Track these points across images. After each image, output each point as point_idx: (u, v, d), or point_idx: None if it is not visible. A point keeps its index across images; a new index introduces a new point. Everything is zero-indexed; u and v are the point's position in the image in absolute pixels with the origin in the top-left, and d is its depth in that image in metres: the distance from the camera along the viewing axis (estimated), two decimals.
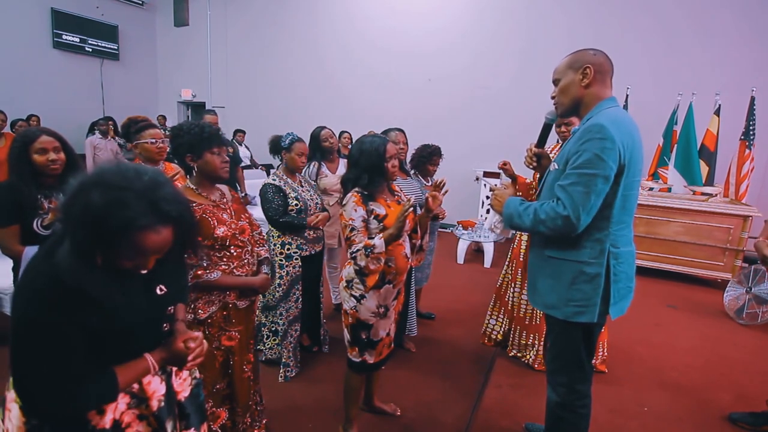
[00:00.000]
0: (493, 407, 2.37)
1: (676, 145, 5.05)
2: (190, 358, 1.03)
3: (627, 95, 5.15)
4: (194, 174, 1.65)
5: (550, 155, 1.84)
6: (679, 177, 5.02)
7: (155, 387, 1.04)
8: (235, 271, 1.66)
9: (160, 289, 1.04)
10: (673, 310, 3.92)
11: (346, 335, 1.90)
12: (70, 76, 8.01)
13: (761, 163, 5.10)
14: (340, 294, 1.89)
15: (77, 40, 8.02)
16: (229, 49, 8.69)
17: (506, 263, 2.90)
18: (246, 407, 1.82)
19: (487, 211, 5.82)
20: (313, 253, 2.56)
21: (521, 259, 2.75)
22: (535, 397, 2.38)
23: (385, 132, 2.74)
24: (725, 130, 4.88)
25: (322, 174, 3.07)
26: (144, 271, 0.96)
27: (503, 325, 2.95)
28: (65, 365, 0.86)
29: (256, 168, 7.08)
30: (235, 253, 1.65)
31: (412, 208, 1.69)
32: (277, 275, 2.46)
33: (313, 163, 3.05)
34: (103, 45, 8.43)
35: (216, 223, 1.59)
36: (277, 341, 2.58)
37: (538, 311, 2.67)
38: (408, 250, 1.90)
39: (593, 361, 2.42)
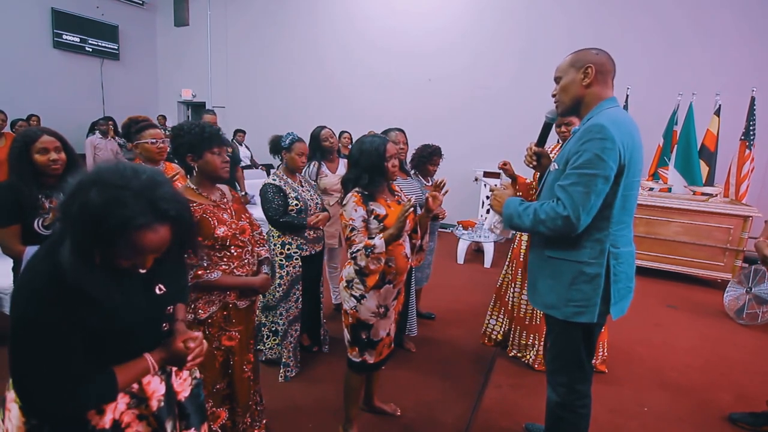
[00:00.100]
0: (493, 407, 2.37)
1: (676, 146, 5.05)
2: (189, 357, 1.03)
3: (627, 95, 5.15)
4: (195, 174, 1.65)
5: (550, 155, 1.84)
6: (679, 177, 5.02)
7: (155, 387, 1.04)
8: (235, 271, 1.66)
9: (159, 289, 1.04)
10: (673, 311, 3.92)
11: (346, 335, 1.90)
12: (70, 76, 8.01)
13: (761, 164, 5.10)
14: (340, 294, 1.89)
15: (77, 40, 8.02)
16: (229, 49, 8.70)
17: (506, 263, 2.90)
18: (246, 407, 1.82)
19: (487, 211, 5.82)
20: (313, 253, 2.56)
21: (521, 260, 2.75)
22: (535, 397, 2.38)
23: (385, 132, 2.74)
24: (725, 130, 4.88)
25: (323, 174, 3.07)
26: (143, 271, 0.95)
27: (503, 325, 2.95)
28: (64, 365, 0.86)
29: (256, 168, 7.08)
30: (235, 253, 1.65)
31: (412, 208, 1.69)
32: (278, 275, 2.46)
33: (313, 163, 3.05)
34: (103, 45, 8.43)
35: (216, 223, 1.59)
36: (277, 341, 2.58)
37: (538, 311, 2.67)
38: (408, 250, 1.90)
39: (593, 361, 2.42)
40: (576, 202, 1.37)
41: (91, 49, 8.24)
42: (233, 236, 1.63)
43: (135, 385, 1.01)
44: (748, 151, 4.76)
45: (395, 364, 2.63)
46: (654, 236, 4.69)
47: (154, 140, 2.15)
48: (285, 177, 2.49)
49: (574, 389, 1.62)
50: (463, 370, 2.72)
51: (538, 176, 1.82)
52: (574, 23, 5.89)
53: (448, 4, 6.70)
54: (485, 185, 5.97)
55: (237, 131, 7.18)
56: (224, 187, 1.75)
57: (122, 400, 0.99)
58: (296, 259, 2.47)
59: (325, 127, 3.15)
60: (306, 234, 2.50)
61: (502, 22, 6.36)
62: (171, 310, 1.08)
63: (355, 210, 1.75)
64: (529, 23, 6.19)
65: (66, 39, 7.86)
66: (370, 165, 1.78)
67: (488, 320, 3.02)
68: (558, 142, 2.67)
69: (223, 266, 1.63)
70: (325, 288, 2.88)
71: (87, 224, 0.80)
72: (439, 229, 3.68)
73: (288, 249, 2.46)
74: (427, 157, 3.01)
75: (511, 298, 2.84)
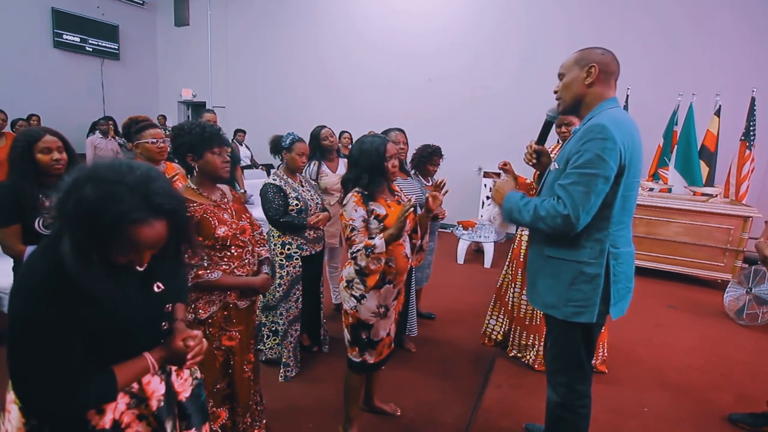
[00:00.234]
0: (493, 407, 2.37)
1: (676, 146, 5.05)
2: (189, 356, 1.03)
3: (627, 95, 5.15)
4: (195, 174, 1.65)
5: (550, 155, 1.84)
6: (679, 177, 5.02)
7: (155, 387, 1.04)
8: (235, 271, 1.66)
9: (158, 287, 1.03)
10: (674, 311, 3.92)
11: (347, 335, 1.90)
12: (70, 76, 8.01)
13: (761, 164, 5.10)
14: (341, 294, 1.89)
15: (78, 39, 8.03)
16: (229, 49, 8.70)
17: (506, 263, 2.90)
18: (246, 407, 1.82)
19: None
20: (313, 253, 2.56)
21: (521, 260, 2.75)
22: (535, 397, 2.38)
23: (385, 132, 2.74)
24: (725, 130, 4.88)
25: (323, 173, 3.07)
26: (140, 269, 0.96)
27: (503, 326, 2.95)
28: (63, 364, 0.86)
29: (257, 168, 7.08)
30: (235, 253, 1.65)
31: (412, 209, 1.69)
32: (278, 275, 2.46)
33: (313, 163, 3.05)
34: (103, 45, 8.43)
35: (217, 223, 1.59)
36: (277, 341, 2.58)
37: (538, 312, 2.67)
38: (408, 250, 1.90)
39: (593, 362, 2.42)
40: (576, 201, 1.37)
41: (91, 49, 8.25)
42: (234, 236, 1.63)
43: (135, 385, 1.01)
44: (748, 151, 4.76)
45: (395, 364, 2.63)
46: (654, 236, 4.69)
47: (154, 140, 2.15)
48: (285, 177, 2.49)
49: (574, 389, 1.62)
50: (463, 370, 2.72)
51: (537, 175, 1.83)
52: (574, 23, 5.89)
53: (448, 4, 6.70)
54: (485, 185, 5.98)
55: (237, 131, 7.18)
56: (225, 187, 1.75)
57: (122, 400, 0.99)
58: (296, 259, 2.47)
59: (324, 126, 3.15)
60: (306, 234, 2.50)
61: (502, 22, 6.36)
62: (170, 308, 1.08)
63: (355, 210, 1.75)
64: (529, 23, 6.19)
65: (66, 39, 7.86)
66: (370, 165, 1.78)
67: (488, 320, 3.02)
68: (558, 142, 2.67)
69: (224, 266, 1.63)
70: (325, 288, 2.88)
71: (83, 220, 0.81)
72: (439, 229, 3.68)
73: (288, 249, 2.46)
74: (427, 157, 3.01)
75: (511, 299, 2.84)
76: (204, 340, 1.09)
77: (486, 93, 6.53)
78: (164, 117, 8.53)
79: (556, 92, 1.59)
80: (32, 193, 1.70)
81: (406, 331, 2.96)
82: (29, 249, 1.69)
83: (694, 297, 4.27)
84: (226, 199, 1.70)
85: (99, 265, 0.85)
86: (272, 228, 2.50)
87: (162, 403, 1.05)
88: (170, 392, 1.09)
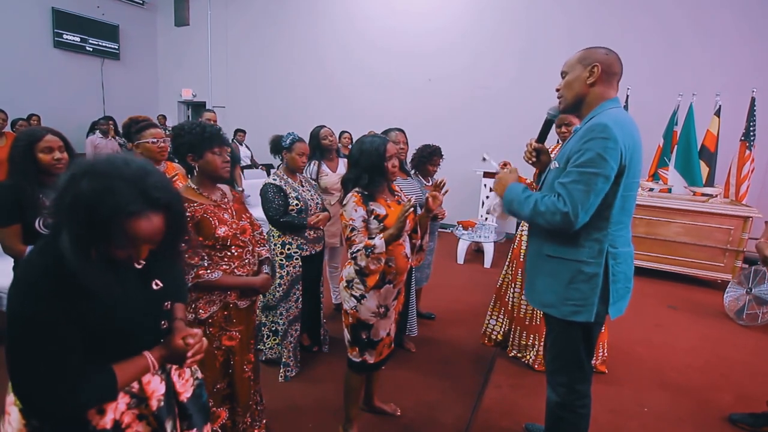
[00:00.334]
0: (493, 407, 2.37)
1: (676, 146, 5.05)
2: (189, 354, 1.03)
3: (627, 95, 5.15)
4: (195, 174, 1.65)
5: (550, 154, 1.84)
6: (679, 178, 5.02)
7: (155, 386, 1.04)
8: (236, 271, 1.66)
9: (156, 284, 1.04)
10: (674, 311, 3.92)
11: (347, 335, 1.91)
12: (70, 76, 8.01)
13: (761, 164, 5.10)
14: (341, 294, 1.89)
15: (78, 39, 8.03)
16: (229, 49, 8.70)
17: (506, 263, 2.90)
18: (246, 407, 1.82)
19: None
20: (313, 253, 2.56)
21: (521, 260, 2.75)
22: (535, 398, 2.38)
23: (385, 132, 2.74)
24: (725, 130, 4.89)
25: (323, 173, 3.08)
26: (139, 266, 0.96)
27: (503, 326, 2.95)
28: (63, 362, 0.86)
29: (257, 168, 7.09)
30: (236, 253, 1.65)
31: (412, 209, 1.69)
32: (278, 275, 2.46)
33: (313, 162, 3.05)
34: (103, 45, 8.43)
35: (217, 223, 1.59)
36: (277, 341, 2.58)
37: (538, 312, 2.67)
38: (408, 250, 1.90)
39: (593, 362, 2.42)
40: (575, 199, 1.38)
41: (91, 49, 8.25)
42: (234, 236, 1.63)
43: (135, 385, 1.01)
44: (748, 151, 4.76)
45: (395, 364, 2.64)
46: (654, 237, 4.69)
47: (155, 140, 2.15)
48: (285, 177, 2.49)
49: (573, 389, 1.62)
50: (463, 370, 2.72)
51: (537, 174, 1.83)
52: (574, 23, 5.89)
53: (448, 4, 6.70)
54: (485, 185, 5.97)
55: (237, 131, 7.19)
56: (225, 187, 1.75)
57: (122, 400, 0.98)
58: (296, 259, 2.47)
59: (324, 126, 3.16)
60: (306, 234, 2.50)
61: (502, 22, 6.36)
62: (168, 306, 1.08)
63: (355, 210, 1.75)
64: (529, 23, 6.19)
65: (66, 39, 7.86)
66: (370, 165, 1.78)
67: (488, 320, 3.02)
68: (558, 142, 2.67)
69: (224, 266, 1.63)
70: (325, 288, 2.88)
71: (81, 214, 0.81)
72: (439, 229, 3.68)
73: (288, 249, 2.46)
74: (427, 157, 3.01)
75: (511, 299, 2.84)
76: (204, 338, 1.09)
77: (486, 93, 6.53)
78: (164, 117, 8.53)
79: (558, 90, 1.59)
80: (33, 192, 1.70)
81: (406, 331, 2.96)
82: (29, 249, 1.69)
83: (694, 297, 4.27)
84: (226, 199, 1.70)
85: (98, 260, 0.85)
86: (272, 228, 2.50)
87: (162, 403, 1.05)
88: (170, 392, 1.09)
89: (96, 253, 0.85)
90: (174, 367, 1.12)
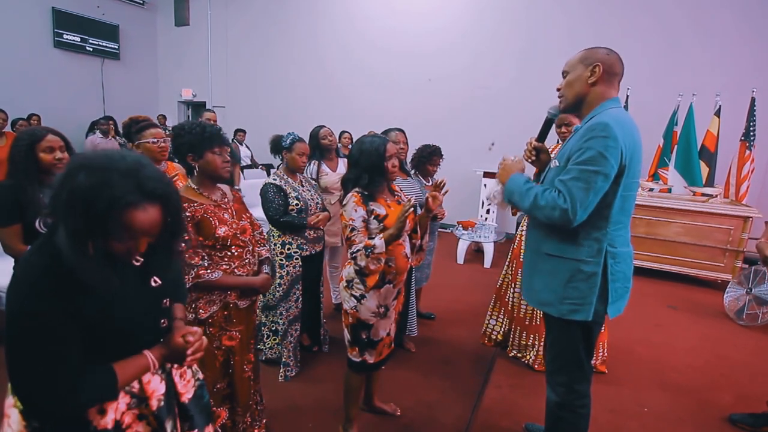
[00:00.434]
0: (493, 407, 2.37)
1: (676, 146, 5.05)
2: (189, 352, 1.03)
3: (627, 95, 5.15)
4: (195, 174, 1.65)
5: (550, 153, 1.84)
6: (679, 178, 5.02)
7: (155, 386, 1.04)
8: (236, 270, 1.66)
9: (155, 281, 1.04)
10: (674, 311, 3.92)
11: (347, 335, 1.91)
12: (70, 76, 8.01)
13: (761, 164, 5.10)
14: (341, 294, 1.89)
15: (78, 39, 8.02)
16: (229, 48, 8.70)
17: (506, 263, 2.90)
18: (246, 407, 1.82)
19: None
20: (313, 252, 2.56)
21: (521, 260, 2.75)
22: (535, 398, 2.38)
23: (385, 132, 2.74)
24: (725, 130, 4.89)
25: (323, 172, 3.08)
26: (137, 263, 0.97)
27: (503, 326, 2.95)
28: (63, 360, 0.86)
29: (257, 168, 7.09)
30: (236, 253, 1.66)
31: (412, 209, 1.69)
32: (278, 275, 2.46)
33: (313, 162, 3.06)
34: (103, 44, 8.43)
35: (217, 223, 1.59)
36: (277, 341, 2.59)
37: (538, 312, 2.67)
38: (408, 250, 1.90)
39: (593, 362, 2.42)
40: (575, 196, 1.38)
41: (91, 49, 8.24)
42: (234, 236, 1.63)
43: (135, 385, 1.00)
44: (748, 151, 4.76)
45: (395, 364, 2.64)
46: (654, 237, 4.69)
47: (155, 140, 2.15)
48: (285, 177, 2.49)
49: (573, 389, 1.62)
50: (463, 370, 2.72)
51: (536, 173, 1.83)
52: (574, 23, 5.89)
53: (448, 4, 6.70)
54: (485, 185, 5.97)
55: (237, 131, 7.19)
56: (225, 187, 1.75)
57: (123, 400, 0.98)
58: (296, 258, 2.47)
59: (323, 126, 3.16)
60: (306, 234, 2.50)
61: (502, 22, 6.36)
62: (167, 303, 1.08)
63: (355, 210, 1.75)
64: (529, 23, 6.19)
65: (66, 38, 7.86)
66: (370, 165, 1.78)
67: (488, 320, 3.02)
68: (558, 142, 2.67)
69: (224, 266, 1.63)
70: (325, 288, 2.88)
71: (78, 207, 0.81)
72: (439, 229, 3.68)
73: (288, 249, 2.46)
74: (427, 157, 3.01)
75: (511, 299, 2.84)
76: (203, 337, 1.09)
77: (486, 93, 6.53)
78: (164, 117, 8.53)
79: (558, 90, 1.59)
80: (33, 192, 1.70)
81: (406, 331, 2.96)
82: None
83: (694, 297, 4.27)
84: (226, 199, 1.70)
85: (96, 256, 0.85)
86: (272, 228, 2.50)
87: (162, 403, 1.05)
88: (170, 392, 1.09)
89: (94, 249, 0.85)
90: (175, 367, 1.12)
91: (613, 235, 1.47)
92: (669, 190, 5.06)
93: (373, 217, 1.77)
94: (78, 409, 0.91)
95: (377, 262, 1.72)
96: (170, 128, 6.87)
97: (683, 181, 4.98)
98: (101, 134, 6.20)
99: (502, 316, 2.95)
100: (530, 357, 2.76)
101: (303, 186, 2.55)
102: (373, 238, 1.72)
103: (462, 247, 5.08)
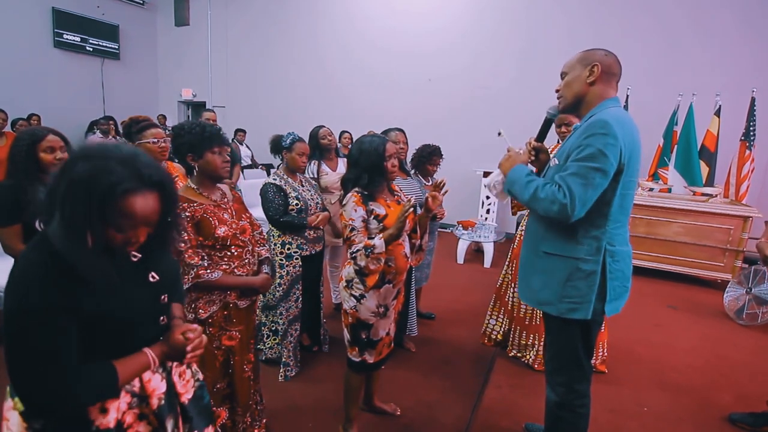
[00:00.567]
0: (493, 407, 2.37)
1: (676, 146, 5.05)
2: (189, 348, 1.03)
3: (627, 95, 5.15)
4: (195, 174, 1.65)
5: (549, 153, 1.84)
6: (679, 177, 5.02)
7: (155, 384, 1.04)
8: (235, 270, 1.66)
9: (153, 277, 1.04)
10: (673, 311, 3.92)
11: (346, 335, 1.91)
12: (70, 76, 8.01)
13: (761, 164, 5.10)
14: (340, 294, 1.89)
15: (78, 39, 8.02)
16: (229, 48, 8.70)
17: (506, 263, 2.90)
18: (246, 407, 1.82)
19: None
20: (313, 252, 2.56)
21: None
22: (535, 397, 2.38)
23: (385, 132, 2.74)
24: (725, 130, 4.89)
25: (323, 172, 3.08)
26: (134, 259, 0.97)
27: (503, 325, 2.95)
28: (62, 358, 0.86)
29: (257, 167, 7.09)
30: (235, 253, 1.66)
31: (411, 208, 1.69)
32: (278, 275, 2.46)
33: (313, 162, 3.06)
34: (103, 44, 8.43)
35: (217, 223, 1.59)
36: (277, 341, 2.59)
37: (538, 311, 2.67)
38: (408, 250, 1.90)
39: (593, 361, 2.42)
40: (574, 192, 1.38)
41: (91, 49, 8.25)
42: (234, 236, 1.63)
43: (136, 383, 1.00)
44: (748, 151, 4.76)
45: (395, 364, 2.64)
46: (654, 236, 4.69)
47: (155, 140, 2.15)
48: (285, 176, 2.49)
49: (572, 389, 1.62)
50: (463, 370, 2.72)
51: (536, 172, 1.83)
52: (574, 23, 5.89)
53: (448, 4, 6.70)
54: (485, 185, 5.97)
55: (237, 131, 7.19)
56: (225, 187, 1.75)
57: (123, 400, 0.98)
58: (296, 258, 2.47)
59: (323, 126, 3.17)
60: (306, 234, 2.50)
61: (502, 22, 6.36)
62: (165, 299, 1.08)
63: (355, 210, 1.76)
64: (529, 23, 6.19)
65: (66, 38, 7.86)
66: (370, 165, 1.78)
67: (488, 320, 3.02)
68: (558, 142, 2.67)
69: (224, 266, 1.63)
70: (325, 287, 2.88)
71: (78, 196, 0.82)
72: (439, 229, 3.68)
73: (288, 249, 2.46)
74: (427, 157, 3.01)
75: (511, 298, 2.84)
76: (203, 335, 1.09)
77: (486, 93, 6.53)
78: (164, 117, 8.54)
79: (557, 91, 1.60)
80: (33, 192, 1.71)
81: (406, 330, 2.96)
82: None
83: (694, 297, 4.27)
84: (226, 199, 1.70)
85: (94, 248, 0.86)
86: (272, 228, 2.50)
87: (163, 401, 1.05)
88: (171, 390, 1.09)
89: (93, 241, 0.85)
90: (174, 365, 1.12)
91: (612, 233, 1.47)
92: (669, 190, 5.05)
93: (372, 217, 1.77)
94: (80, 407, 0.91)
95: (377, 262, 1.72)
96: (170, 128, 6.88)
97: (683, 181, 4.98)
98: (101, 134, 6.20)
99: (502, 316, 2.95)
100: (530, 357, 2.76)
101: (303, 186, 2.55)
102: (373, 238, 1.72)
103: (462, 247, 5.08)
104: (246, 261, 1.70)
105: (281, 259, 2.46)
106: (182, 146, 1.60)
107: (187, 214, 1.54)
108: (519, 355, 2.83)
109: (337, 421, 2.10)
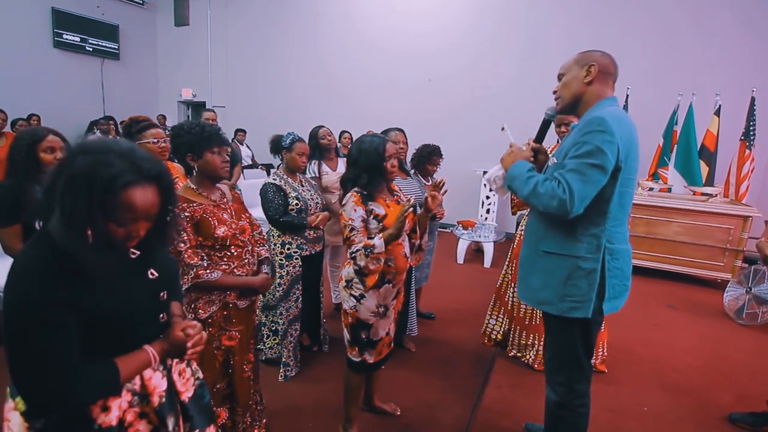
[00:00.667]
0: (493, 407, 2.37)
1: (676, 146, 5.05)
2: (189, 344, 1.03)
3: (627, 95, 5.15)
4: (195, 174, 1.65)
5: (548, 153, 1.84)
6: (679, 177, 5.02)
7: (156, 382, 1.04)
8: (235, 270, 1.66)
9: (152, 274, 1.04)
10: (673, 311, 3.92)
11: (346, 335, 1.91)
12: (70, 76, 8.01)
13: (761, 164, 5.10)
14: (340, 294, 1.89)
15: (78, 39, 8.02)
16: (229, 48, 8.70)
17: (506, 263, 2.90)
18: (246, 407, 1.82)
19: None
20: (313, 252, 2.56)
21: None
22: (535, 397, 2.38)
23: (385, 132, 2.74)
24: (725, 130, 4.88)
25: (323, 172, 3.08)
26: (133, 256, 0.98)
27: (503, 325, 2.95)
28: (63, 356, 0.85)
29: (257, 168, 7.09)
30: (235, 253, 1.66)
31: (411, 208, 1.69)
32: (278, 275, 2.46)
33: (313, 162, 3.06)
34: (103, 44, 8.43)
35: (216, 223, 1.59)
36: (277, 341, 2.59)
37: (538, 311, 2.67)
38: (407, 250, 1.90)
39: (593, 361, 2.42)
40: (573, 188, 1.38)
41: (91, 49, 8.25)
42: (233, 236, 1.63)
43: (137, 382, 1.00)
44: (748, 151, 4.76)
45: (395, 364, 2.64)
46: (654, 236, 4.69)
47: (156, 140, 2.15)
48: (285, 176, 2.49)
49: (572, 388, 1.62)
50: (463, 370, 2.72)
51: None
52: (574, 23, 5.89)
53: (448, 4, 6.70)
54: (485, 185, 5.97)
55: (238, 131, 7.19)
56: (224, 187, 1.75)
57: (124, 398, 0.98)
58: (296, 258, 2.47)
59: (322, 126, 3.17)
60: (306, 234, 2.50)
61: (502, 22, 6.36)
62: (164, 296, 1.08)
63: (355, 210, 1.75)
64: (529, 23, 6.19)
65: (66, 39, 7.86)
66: (370, 165, 1.78)
67: (488, 320, 3.02)
68: (557, 141, 2.68)
69: (223, 266, 1.63)
70: (325, 287, 2.88)
71: (77, 190, 0.82)
72: (439, 229, 3.68)
73: (288, 249, 2.46)
74: (427, 157, 3.01)
75: (510, 298, 2.84)
76: (203, 331, 1.09)
77: (486, 93, 6.53)
78: (164, 117, 8.54)
79: (555, 92, 1.61)
80: (33, 192, 1.71)
81: (406, 330, 2.96)
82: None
83: (693, 297, 4.27)
84: (225, 199, 1.70)
85: (95, 242, 0.86)
86: (272, 228, 2.50)
87: (164, 399, 1.05)
88: (172, 389, 1.09)
89: (93, 235, 0.85)
90: (174, 363, 1.12)
91: (611, 231, 1.48)
92: (669, 190, 5.05)
93: (372, 216, 1.77)
94: (82, 405, 0.91)
95: (376, 261, 1.72)
96: (170, 128, 6.88)
97: (683, 181, 4.98)
98: (101, 134, 6.20)
99: (501, 316, 2.95)
100: (530, 356, 2.76)
101: (303, 186, 2.55)
102: (373, 237, 1.72)
103: (462, 247, 5.08)
104: (245, 261, 1.70)
105: (281, 259, 2.46)
106: (181, 146, 1.60)
107: (187, 214, 1.54)
108: (519, 354, 2.83)
109: (337, 421, 2.10)
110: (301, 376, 2.55)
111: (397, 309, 1.96)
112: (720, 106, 4.84)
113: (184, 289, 1.54)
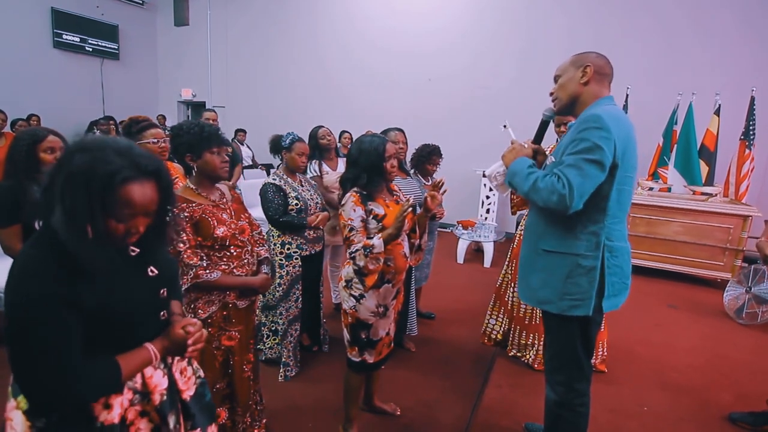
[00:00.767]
0: (493, 407, 2.37)
1: (676, 145, 5.05)
2: (190, 342, 1.04)
3: (627, 95, 5.15)
4: (194, 174, 1.65)
5: (547, 153, 1.85)
6: (679, 177, 5.02)
7: (157, 381, 1.04)
8: (235, 271, 1.66)
9: (152, 271, 1.04)
10: (673, 310, 3.92)
11: (346, 335, 1.91)
12: (70, 76, 8.01)
13: (761, 163, 5.10)
14: (340, 294, 1.89)
15: (77, 39, 8.03)
16: (229, 48, 8.70)
17: (506, 263, 2.90)
18: (246, 407, 1.82)
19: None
20: (313, 252, 2.56)
21: None
22: (535, 397, 2.38)
23: (385, 132, 2.73)
24: (725, 130, 4.88)
25: (323, 172, 3.08)
26: (132, 253, 0.99)
27: (503, 325, 2.95)
28: (64, 354, 0.85)
29: (257, 168, 7.09)
30: (235, 253, 1.66)
31: (411, 208, 1.69)
32: (277, 275, 2.46)
33: (314, 161, 3.06)
34: (103, 45, 8.43)
35: (216, 224, 1.59)
36: (277, 341, 2.59)
37: (538, 311, 2.67)
38: (407, 250, 1.90)
39: (593, 361, 2.42)
40: (572, 183, 1.39)
41: (91, 49, 8.25)
42: (233, 236, 1.63)
43: (138, 380, 1.00)
44: (747, 150, 4.76)
45: (395, 364, 2.64)
46: (654, 236, 4.69)
47: (155, 140, 2.15)
48: (285, 176, 2.49)
49: (572, 388, 1.62)
50: (463, 370, 2.72)
51: None
52: (574, 23, 5.89)
53: (448, 4, 6.70)
54: (485, 185, 5.97)
55: (238, 131, 7.19)
56: (224, 187, 1.75)
57: (125, 396, 0.98)
58: (296, 258, 2.47)
59: (322, 126, 3.17)
60: (306, 234, 2.50)
61: (502, 22, 6.36)
62: (164, 293, 1.08)
63: (354, 210, 1.75)
64: (529, 23, 6.19)
65: (66, 39, 7.86)
66: (369, 165, 1.78)
67: (488, 320, 3.02)
68: (556, 141, 2.67)
69: (223, 266, 1.63)
70: (325, 287, 2.88)
71: (77, 187, 0.83)
72: (439, 229, 3.68)
73: (288, 249, 2.46)
74: (426, 157, 3.01)
75: (510, 298, 2.84)
76: (203, 329, 1.09)
77: (486, 93, 6.52)
78: (164, 117, 8.54)
79: (551, 94, 1.62)
80: (33, 192, 1.71)
81: (406, 330, 2.96)
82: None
83: (693, 296, 4.27)
84: (225, 199, 1.70)
85: (95, 238, 0.86)
86: (272, 228, 2.50)
87: (165, 397, 1.05)
88: (173, 387, 1.09)
89: (93, 232, 0.86)
90: (175, 361, 1.12)
91: (610, 228, 1.49)
92: (669, 189, 5.05)
93: (371, 216, 1.77)
94: (84, 403, 0.91)
95: (376, 261, 1.72)
96: (170, 128, 6.88)
97: (683, 180, 4.98)
98: (101, 134, 6.20)
99: (501, 316, 2.95)
100: (530, 356, 2.76)
101: (302, 186, 2.55)
102: (372, 237, 1.72)
103: (462, 247, 5.08)
104: (245, 261, 1.70)
105: (281, 259, 2.46)
106: (181, 146, 1.60)
107: (186, 214, 1.54)
108: (519, 354, 2.83)
109: (337, 421, 2.10)
110: (301, 376, 2.55)
111: (396, 309, 1.96)
112: (720, 105, 4.84)
113: (183, 289, 1.54)
